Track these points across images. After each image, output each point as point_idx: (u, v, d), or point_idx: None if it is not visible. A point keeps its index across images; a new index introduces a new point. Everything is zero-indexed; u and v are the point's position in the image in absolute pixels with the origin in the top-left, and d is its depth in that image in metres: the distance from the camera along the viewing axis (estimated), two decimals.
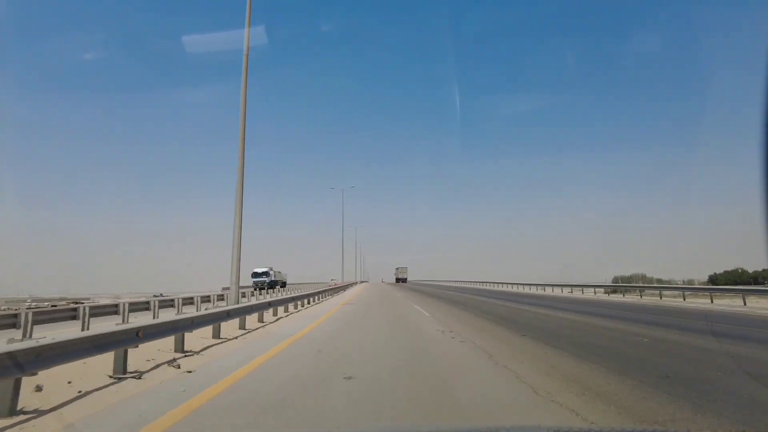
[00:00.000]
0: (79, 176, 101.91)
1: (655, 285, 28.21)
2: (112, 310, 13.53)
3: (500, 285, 54.43)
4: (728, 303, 19.29)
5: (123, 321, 12.48)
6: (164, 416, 4.06)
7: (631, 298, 25.00)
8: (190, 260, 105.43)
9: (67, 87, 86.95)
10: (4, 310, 14.60)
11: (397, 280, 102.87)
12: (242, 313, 11.47)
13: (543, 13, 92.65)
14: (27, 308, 12.37)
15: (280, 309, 16.34)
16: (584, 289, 33.81)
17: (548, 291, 37.43)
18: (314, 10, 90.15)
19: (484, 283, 61.97)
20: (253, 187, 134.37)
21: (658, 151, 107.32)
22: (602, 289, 31.10)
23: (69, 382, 5.24)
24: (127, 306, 13.75)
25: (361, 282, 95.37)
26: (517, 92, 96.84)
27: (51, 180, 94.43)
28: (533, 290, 39.79)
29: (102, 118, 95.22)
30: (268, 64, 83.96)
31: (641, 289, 27.24)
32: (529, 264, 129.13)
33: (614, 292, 29.46)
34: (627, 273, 33.28)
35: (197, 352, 7.56)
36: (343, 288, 43.60)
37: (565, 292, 35.08)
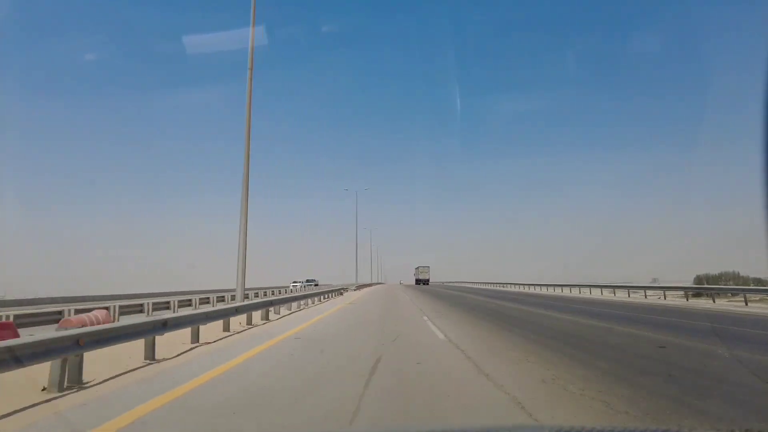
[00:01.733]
0: (80, 177, 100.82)
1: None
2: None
3: (534, 287, 48.25)
4: None
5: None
6: None
7: (726, 305, 18.83)
8: (194, 262, 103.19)
9: (69, 89, 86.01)
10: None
11: (418, 281, 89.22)
12: None
13: (543, 13, 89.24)
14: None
15: None
16: (646, 291, 27.55)
17: (598, 293, 31.39)
18: (315, 11, 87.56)
19: (519, 285, 55.81)
20: (255, 189, 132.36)
21: (659, 150, 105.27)
22: (675, 292, 24.76)
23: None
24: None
25: (358, 288, 51.23)
26: (520, 92, 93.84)
27: (51, 181, 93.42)
28: (582, 293, 33.63)
29: (102, 119, 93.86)
30: (269, 64, 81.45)
31: (732, 293, 20.98)
32: (530, 263, 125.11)
33: (697, 295, 22.98)
34: (714, 271, 26.56)
35: None
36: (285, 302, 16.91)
37: (620, 295, 28.96)
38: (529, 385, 5.12)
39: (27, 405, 4.43)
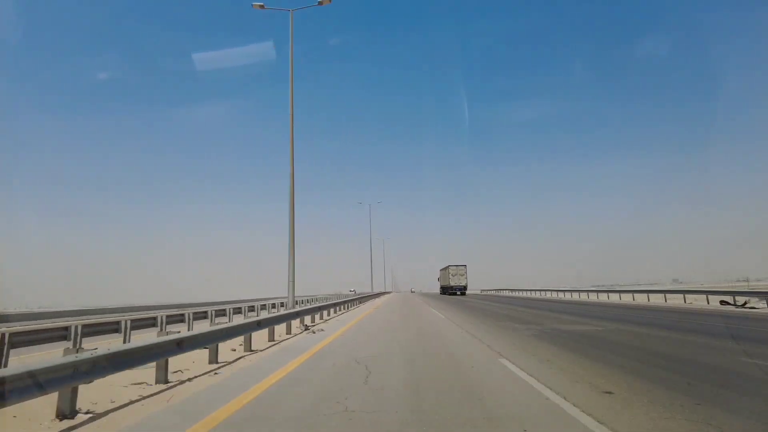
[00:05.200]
0: (103, 193, 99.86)
1: None
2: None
3: (577, 294, 41.43)
4: None
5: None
6: None
7: None
8: (209, 275, 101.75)
9: (84, 105, 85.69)
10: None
11: (446, 290, 55.49)
12: None
13: (549, 22, 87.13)
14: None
15: None
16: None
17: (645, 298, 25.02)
18: (323, 27, 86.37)
19: (547, 292, 49.20)
20: (260, 195, 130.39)
21: (669, 153, 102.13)
22: None
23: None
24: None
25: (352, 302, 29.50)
26: (529, 99, 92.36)
27: (68, 195, 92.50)
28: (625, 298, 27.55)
29: (116, 134, 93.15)
30: (279, 78, 79.60)
31: None
32: (542, 267, 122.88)
33: None
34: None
35: None
36: None
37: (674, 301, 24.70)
38: None
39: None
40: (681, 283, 73.71)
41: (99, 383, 5.06)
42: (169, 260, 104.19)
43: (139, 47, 75.92)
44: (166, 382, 6.06)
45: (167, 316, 12.80)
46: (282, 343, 10.64)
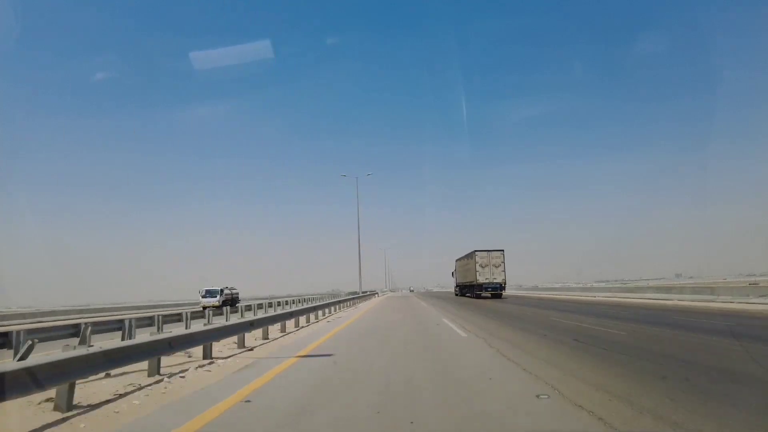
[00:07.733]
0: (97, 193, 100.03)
1: None
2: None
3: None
4: None
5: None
6: None
7: None
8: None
9: (83, 106, 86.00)
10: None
11: (466, 289, 37.00)
12: None
13: (549, 21, 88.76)
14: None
15: None
16: None
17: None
18: (321, 27, 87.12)
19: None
20: (260, 197, 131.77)
21: (668, 150, 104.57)
22: None
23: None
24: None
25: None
26: (528, 97, 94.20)
27: (60, 194, 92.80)
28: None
29: (110, 135, 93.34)
30: (277, 78, 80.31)
31: None
32: (543, 266, 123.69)
33: None
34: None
35: None
36: None
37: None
38: None
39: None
40: (691, 278, 69.25)
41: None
42: (167, 260, 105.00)
43: (136, 47, 75.94)
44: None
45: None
46: None
